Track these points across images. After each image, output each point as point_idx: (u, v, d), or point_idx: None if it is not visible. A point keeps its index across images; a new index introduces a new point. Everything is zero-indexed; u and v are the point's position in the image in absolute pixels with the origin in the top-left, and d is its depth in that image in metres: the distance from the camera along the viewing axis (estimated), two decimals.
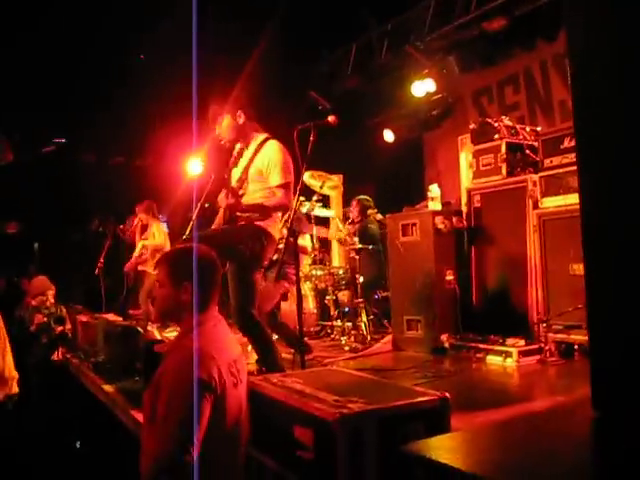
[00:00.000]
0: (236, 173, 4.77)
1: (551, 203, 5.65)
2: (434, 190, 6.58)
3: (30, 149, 13.32)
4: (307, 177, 7.04)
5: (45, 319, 7.35)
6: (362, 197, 8.16)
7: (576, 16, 2.00)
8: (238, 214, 4.54)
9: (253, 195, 4.60)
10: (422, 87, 9.47)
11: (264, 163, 4.58)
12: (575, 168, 2.34)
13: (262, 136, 4.77)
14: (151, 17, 9.38)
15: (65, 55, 10.39)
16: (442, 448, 1.98)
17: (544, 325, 5.48)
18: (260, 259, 4.54)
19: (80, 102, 11.83)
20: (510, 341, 5.46)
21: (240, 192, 4.62)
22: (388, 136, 10.47)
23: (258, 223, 4.52)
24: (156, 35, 9.94)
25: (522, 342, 5.46)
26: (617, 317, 2.00)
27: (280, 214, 4.69)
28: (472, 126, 6.65)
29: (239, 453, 2.78)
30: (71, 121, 12.61)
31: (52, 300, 7.67)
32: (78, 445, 6.41)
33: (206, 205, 8.26)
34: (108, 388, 5.71)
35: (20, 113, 12.04)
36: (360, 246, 7.22)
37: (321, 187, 7.48)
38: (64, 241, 12.24)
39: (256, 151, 4.68)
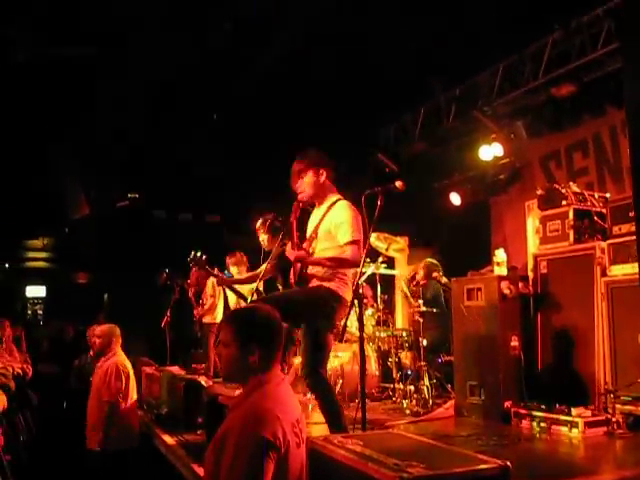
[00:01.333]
0: (309, 231, 4.87)
1: (619, 271, 5.57)
2: (500, 255, 6.55)
3: (105, 203, 13.85)
4: (373, 239, 7.10)
5: None
6: (429, 260, 8.17)
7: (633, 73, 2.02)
8: (309, 273, 4.61)
9: (322, 253, 4.66)
10: (490, 151, 9.53)
11: (333, 222, 4.64)
12: None
13: (335, 197, 4.85)
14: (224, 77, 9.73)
15: (139, 116, 10.83)
16: None
17: (611, 396, 5.35)
18: (332, 321, 4.57)
19: (154, 161, 12.27)
20: (576, 411, 5.32)
21: (310, 250, 4.70)
22: (455, 200, 10.51)
23: (328, 285, 4.57)
24: (227, 95, 10.29)
25: (588, 413, 5.32)
26: None
27: (351, 277, 4.71)
28: (539, 192, 6.64)
29: None
30: (144, 179, 13.09)
31: None
32: None
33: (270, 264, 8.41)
34: (170, 440, 5.80)
35: (98, 170, 12.54)
36: (424, 309, 7.21)
37: (387, 249, 7.54)
38: (133, 293, 12.54)
39: (327, 211, 4.76)
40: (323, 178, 4.80)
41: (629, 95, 2.02)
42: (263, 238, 6.46)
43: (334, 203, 4.78)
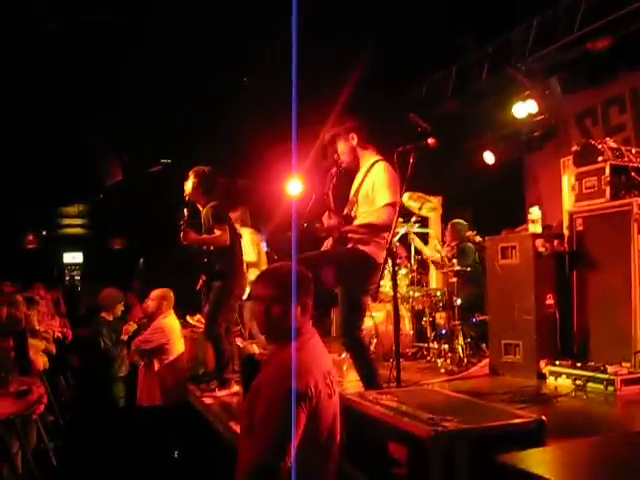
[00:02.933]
0: (351, 194, 4.88)
1: None
2: (535, 213, 6.48)
3: (137, 169, 13.96)
4: (406, 199, 7.06)
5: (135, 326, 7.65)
6: (456, 221, 8.11)
7: None
8: (349, 235, 4.63)
9: (362, 218, 4.67)
10: (524, 108, 9.39)
11: (371, 185, 4.65)
12: None
13: (373, 158, 4.83)
14: (255, 42, 9.68)
15: (170, 83, 10.84)
16: (538, 461, 1.97)
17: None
18: (367, 284, 4.59)
19: (185, 126, 12.30)
20: (612, 369, 5.29)
21: (352, 214, 4.72)
22: (488, 158, 10.39)
23: (362, 248, 4.57)
24: (260, 59, 10.25)
25: (625, 370, 5.29)
26: None
27: (385, 239, 4.71)
28: (575, 148, 6.52)
29: (332, 465, 2.83)
30: (177, 143, 13.13)
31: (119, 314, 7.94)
32: (176, 455, 6.61)
33: (305, 225, 8.41)
34: (207, 400, 5.91)
35: (129, 135, 12.62)
36: (458, 268, 7.18)
37: (420, 209, 7.48)
38: (168, 257, 12.66)
39: (366, 173, 4.76)
40: (355, 142, 4.78)
41: None
42: (190, 183, 6.30)
43: (372, 165, 4.76)
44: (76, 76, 10.55)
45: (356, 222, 4.68)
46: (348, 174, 4.90)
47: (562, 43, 8.55)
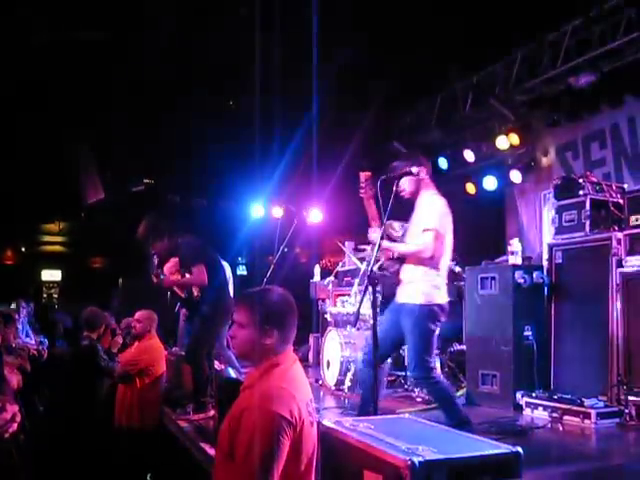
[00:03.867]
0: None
1: (636, 262, 5.54)
2: (515, 244, 6.53)
3: (120, 188, 13.92)
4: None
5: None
6: None
7: None
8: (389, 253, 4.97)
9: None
10: (506, 141, 9.48)
11: (421, 215, 4.90)
12: None
13: (432, 192, 5.03)
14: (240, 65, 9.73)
15: (155, 107, 10.87)
16: None
17: (624, 387, 5.33)
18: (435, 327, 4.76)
19: (168, 148, 12.32)
20: (588, 402, 5.31)
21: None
22: (470, 189, 10.47)
23: (422, 295, 4.70)
24: (242, 83, 10.29)
25: (601, 404, 5.31)
26: None
27: (443, 275, 4.84)
28: (556, 181, 6.60)
29: None
30: (160, 164, 13.14)
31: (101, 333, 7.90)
32: (149, 478, 6.54)
33: (285, 250, 8.40)
34: (182, 423, 5.85)
35: (114, 154, 12.60)
36: None
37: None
38: (147, 277, 12.59)
39: (421, 204, 4.96)
40: (422, 175, 4.91)
41: None
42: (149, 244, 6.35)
43: (428, 197, 4.97)
44: (61, 92, 10.54)
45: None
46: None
47: (545, 77, 8.68)
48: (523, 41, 8.98)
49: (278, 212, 11.70)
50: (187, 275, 6.16)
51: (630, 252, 5.62)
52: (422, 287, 4.67)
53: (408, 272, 4.81)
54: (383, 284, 5.90)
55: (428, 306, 4.63)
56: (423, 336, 4.64)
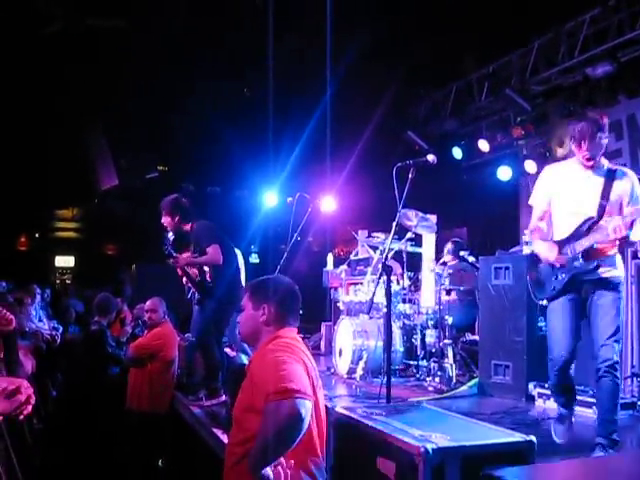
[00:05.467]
0: None
1: None
2: (529, 235, 6.48)
3: (134, 175, 13.96)
4: (402, 215, 7.06)
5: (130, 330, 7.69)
6: (455, 239, 8.12)
7: None
8: None
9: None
10: (522, 130, 9.45)
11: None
12: None
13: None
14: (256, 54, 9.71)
15: (169, 91, 10.87)
16: (528, 476, 1.97)
17: (638, 379, 5.30)
18: None
19: (183, 135, 12.34)
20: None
21: None
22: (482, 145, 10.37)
23: None
24: (259, 72, 10.28)
25: None
26: None
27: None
28: None
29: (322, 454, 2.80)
30: (173, 152, 13.16)
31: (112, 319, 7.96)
32: (161, 463, 6.58)
33: (298, 238, 8.41)
34: (194, 409, 5.88)
35: (129, 141, 12.63)
36: (450, 287, 7.18)
37: (415, 226, 7.49)
38: (160, 264, 12.65)
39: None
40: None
41: None
42: (167, 219, 6.37)
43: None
44: (77, 79, 10.56)
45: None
46: None
47: (562, 67, 8.63)
48: (540, 31, 8.92)
49: (290, 200, 11.71)
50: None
51: None
52: None
53: None
54: None
55: None
56: None
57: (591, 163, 4.19)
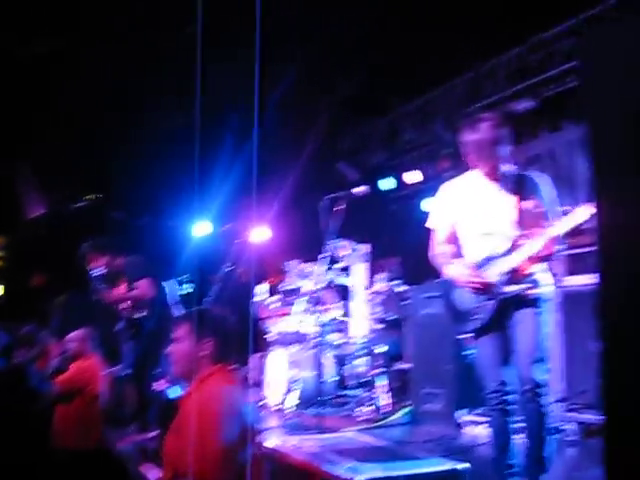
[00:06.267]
0: None
1: (575, 281, 5.70)
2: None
3: (62, 204, 13.66)
4: (334, 245, 7.12)
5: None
6: (386, 268, 8.22)
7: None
8: None
9: None
10: (448, 163, 9.66)
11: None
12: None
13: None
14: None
15: (102, 123, 10.75)
16: None
17: (562, 404, 5.44)
18: None
19: (113, 164, 12.18)
20: None
21: None
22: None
23: None
24: (190, 102, 10.22)
25: None
26: (632, 397, 2.00)
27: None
28: None
29: None
30: (103, 180, 12.95)
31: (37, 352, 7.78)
32: None
33: (229, 268, 8.36)
34: (124, 443, 5.76)
35: (58, 168, 12.37)
36: (381, 316, 7.26)
37: (347, 256, 7.56)
38: (89, 295, 12.39)
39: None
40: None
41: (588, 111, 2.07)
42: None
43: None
44: (3, 105, 10.32)
45: None
46: None
47: (486, 102, 8.90)
48: (466, 67, 9.19)
49: (222, 230, 11.67)
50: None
51: (569, 272, 5.78)
52: None
53: None
54: None
55: None
56: None
57: (495, 174, 3.91)
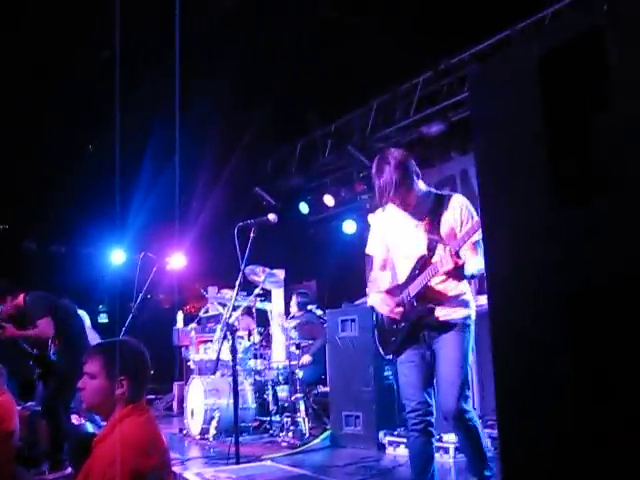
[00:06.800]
0: None
1: (484, 300, 5.85)
2: None
3: None
4: (248, 271, 7.12)
5: None
6: (301, 291, 8.27)
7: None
8: None
9: None
10: (364, 185, 9.82)
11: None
12: None
13: None
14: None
15: (12, 143, 10.46)
16: None
17: (479, 421, 5.55)
18: None
19: (24, 192, 11.87)
20: (446, 437, 5.49)
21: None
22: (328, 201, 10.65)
23: None
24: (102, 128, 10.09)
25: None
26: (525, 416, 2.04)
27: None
28: None
29: None
30: (14, 209, 12.59)
31: None
32: None
33: (148, 297, 8.23)
34: None
35: None
36: (300, 341, 7.27)
37: (263, 282, 7.56)
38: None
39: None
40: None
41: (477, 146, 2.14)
42: None
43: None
44: None
45: None
46: None
47: (400, 125, 9.10)
48: (378, 91, 9.38)
49: (139, 257, 11.51)
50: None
51: (479, 291, 5.93)
52: None
53: None
54: None
55: None
56: None
57: (406, 205, 3.95)
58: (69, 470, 5.63)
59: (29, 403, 7.55)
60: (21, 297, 6.10)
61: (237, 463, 4.13)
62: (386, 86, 9.26)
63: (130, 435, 2.64)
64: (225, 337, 4.35)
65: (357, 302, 7.07)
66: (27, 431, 6.71)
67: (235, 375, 4.19)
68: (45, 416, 6.07)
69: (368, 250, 4.33)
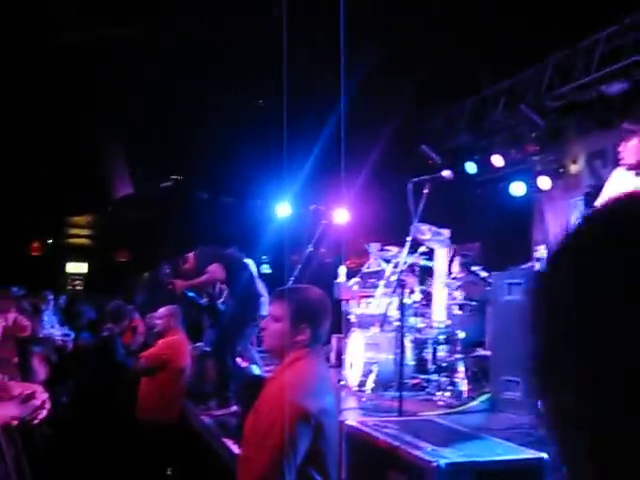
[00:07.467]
0: None
1: None
2: (542, 251, 6.49)
3: (149, 184, 14.04)
4: (416, 228, 7.07)
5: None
6: (464, 253, 8.11)
7: None
8: None
9: None
10: (536, 146, 9.46)
11: None
12: None
13: None
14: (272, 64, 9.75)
15: (185, 105, 10.94)
16: None
17: None
18: None
19: (197, 145, 12.40)
20: None
21: None
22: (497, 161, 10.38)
23: None
24: (273, 84, 10.32)
25: None
26: None
27: None
28: (587, 189, 6.55)
29: None
30: (188, 162, 13.23)
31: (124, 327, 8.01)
32: (169, 472, 6.58)
33: (310, 250, 8.43)
34: (205, 418, 5.90)
35: (144, 150, 12.70)
36: (462, 301, 7.17)
37: (428, 240, 7.49)
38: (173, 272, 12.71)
39: None
40: None
41: None
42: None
43: None
44: (92, 89, 10.64)
45: None
46: None
47: (578, 84, 8.63)
48: (556, 47, 8.94)
49: (306, 211, 11.77)
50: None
51: None
52: None
53: None
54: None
55: None
56: None
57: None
58: (234, 408, 5.92)
59: (198, 344, 8.00)
60: (191, 255, 6.42)
61: (399, 416, 4.17)
62: (565, 41, 8.80)
63: (301, 377, 2.72)
64: (389, 293, 4.35)
65: (524, 266, 6.87)
66: (196, 369, 7.13)
67: (402, 331, 4.19)
68: (213, 357, 6.39)
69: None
